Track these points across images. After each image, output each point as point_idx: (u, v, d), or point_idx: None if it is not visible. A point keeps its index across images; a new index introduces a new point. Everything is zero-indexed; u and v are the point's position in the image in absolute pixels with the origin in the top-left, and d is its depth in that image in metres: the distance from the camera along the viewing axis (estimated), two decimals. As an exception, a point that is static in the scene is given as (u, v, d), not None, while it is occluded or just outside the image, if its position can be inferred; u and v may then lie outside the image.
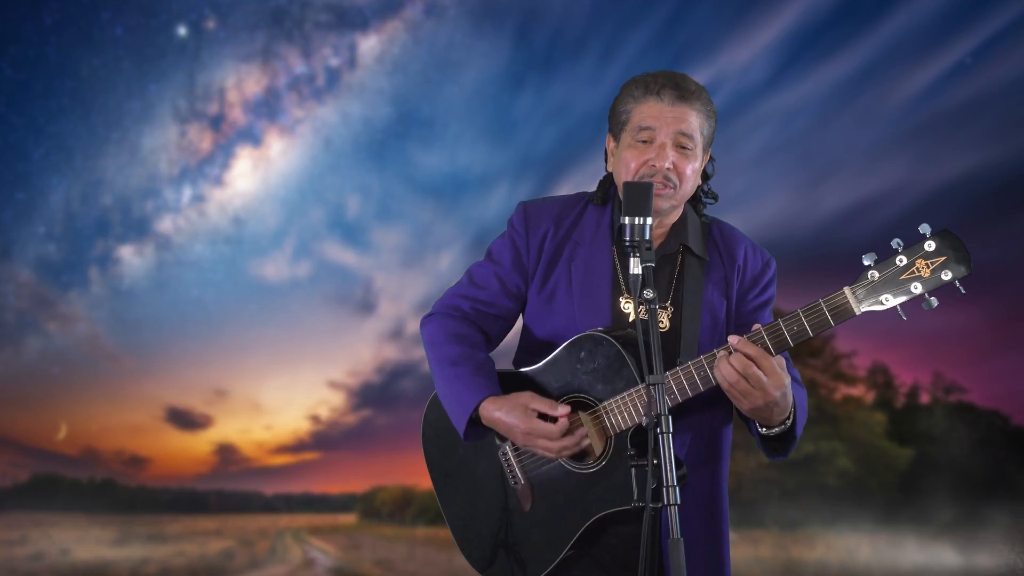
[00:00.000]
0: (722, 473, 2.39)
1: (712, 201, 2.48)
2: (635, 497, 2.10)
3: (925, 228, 2.01)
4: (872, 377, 20.92)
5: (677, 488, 1.83)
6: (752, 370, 2.04)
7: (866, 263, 2.04)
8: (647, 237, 1.99)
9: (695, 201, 2.47)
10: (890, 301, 2.02)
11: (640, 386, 2.17)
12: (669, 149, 2.27)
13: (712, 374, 2.12)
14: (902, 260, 2.02)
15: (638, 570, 1.99)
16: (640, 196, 2.02)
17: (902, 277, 2.02)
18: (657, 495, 1.87)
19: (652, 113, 2.28)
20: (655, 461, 1.87)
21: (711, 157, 2.42)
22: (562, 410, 2.19)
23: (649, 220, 2.00)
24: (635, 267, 1.98)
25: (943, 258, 2.00)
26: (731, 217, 2.54)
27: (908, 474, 18.97)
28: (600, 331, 2.25)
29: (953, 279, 1.99)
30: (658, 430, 1.87)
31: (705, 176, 2.45)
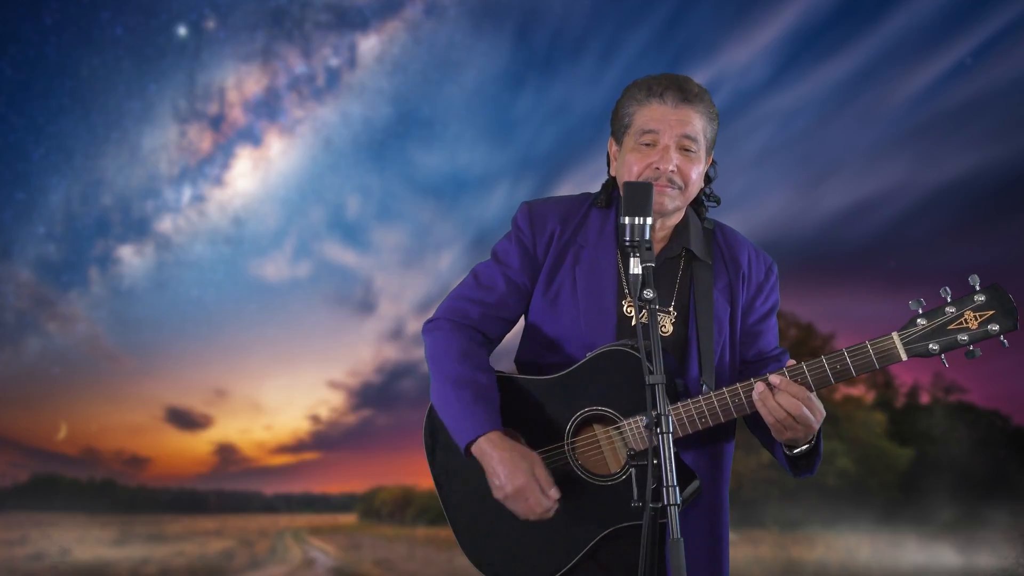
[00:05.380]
0: (724, 481, 2.38)
1: (714, 204, 2.47)
2: (634, 497, 2.10)
3: (974, 280, 2.05)
4: (872, 377, 20.92)
5: (677, 488, 1.82)
6: (801, 411, 2.06)
7: (913, 309, 2.07)
8: (647, 237, 1.98)
9: (697, 204, 2.46)
10: (936, 350, 2.05)
11: (670, 407, 2.15)
12: (673, 152, 2.26)
13: (747, 403, 2.13)
14: (951, 311, 2.05)
15: (639, 571, 1.98)
16: (640, 196, 2.01)
17: (950, 327, 2.05)
18: (657, 495, 1.86)
19: (655, 116, 2.27)
20: (655, 461, 1.86)
21: (713, 160, 2.41)
22: (554, 494, 2.18)
23: (649, 220, 1.99)
24: (635, 267, 1.95)
25: (992, 312, 2.04)
26: (731, 217, 2.54)
27: (908, 474, 18.97)
28: (627, 345, 2.23)
29: (999, 332, 2.04)
30: (658, 430, 1.86)
31: (707, 179, 2.44)
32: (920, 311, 2.07)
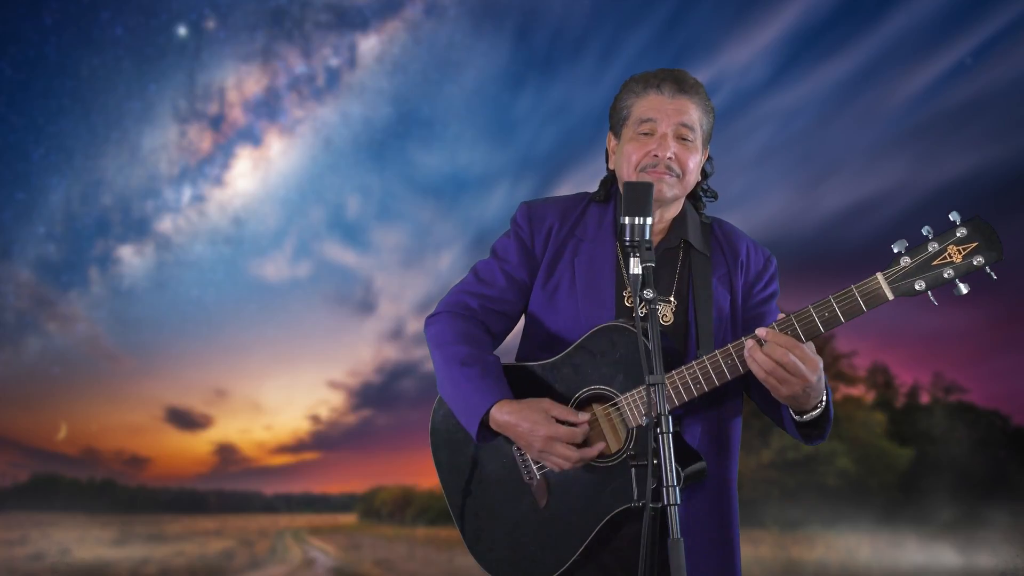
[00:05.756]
0: (732, 465, 2.40)
1: (712, 199, 2.51)
2: (635, 497, 2.10)
3: (955, 215, 2.03)
4: (872, 377, 20.93)
5: (677, 488, 1.83)
6: (788, 358, 2.05)
7: (896, 250, 2.06)
8: (647, 237, 2.00)
9: (695, 199, 2.49)
10: (922, 287, 2.04)
11: (669, 373, 2.17)
12: (671, 140, 2.30)
13: (739, 363, 2.13)
14: (934, 246, 2.04)
15: (638, 570, 1.99)
16: (640, 196, 2.03)
17: (934, 263, 2.04)
18: (657, 495, 1.86)
19: (653, 106, 2.31)
20: (655, 461, 1.87)
21: (710, 156, 2.45)
22: (582, 416, 2.18)
23: (649, 220, 2.02)
24: (635, 267, 1.99)
25: (975, 244, 2.02)
26: (731, 217, 2.55)
27: (908, 474, 18.96)
28: (622, 322, 2.25)
29: (984, 264, 2.01)
30: (658, 430, 1.87)
31: (704, 174, 2.47)
32: (903, 251, 2.05)
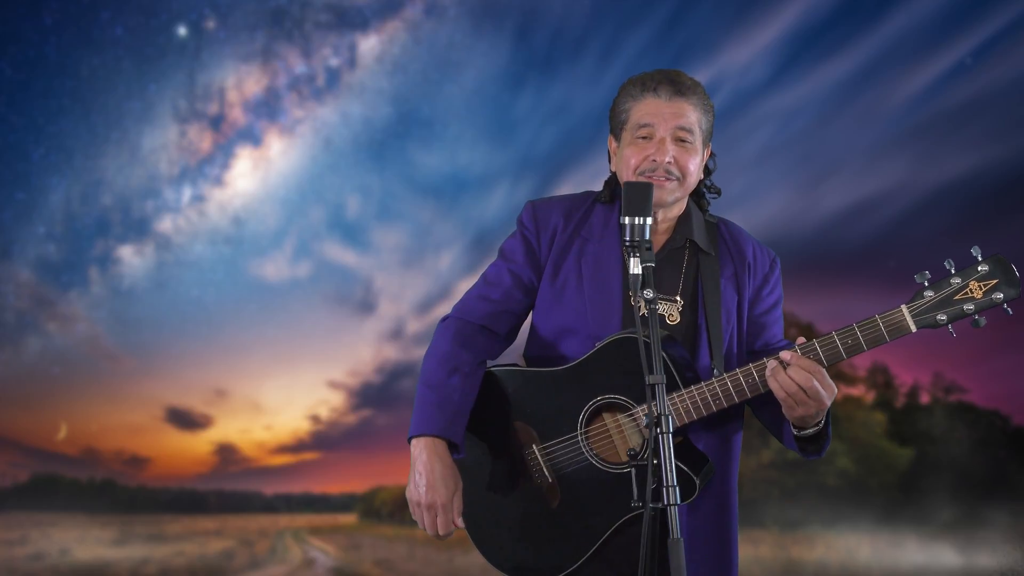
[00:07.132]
0: (732, 474, 2.42)
1: (716, 196, 2.51)
2: (635, 497, 2.11)
3: (976, 251, 2.10)
4: (872, 377, 20.91)
5: (677, 488, 1.84)
6: (811, 383, 2.09)
7: (919, 282, 2.12)
8: (647, 237, 2.01)
9: (698, 197, 2.49)
10: (944, 320, 2.12)
11: (684, 390, 2.20)
12: (669, 144, 2.30)
13: (760, 383, 2.16)
14: (956, 281, 2.11)
15: (639, 571, 1.99)
16: (640, 196, 2.04)
17: (956, 297, 2.11)
18: (658, 495, 1.87)
19: (650, 110, 2.31)
20: (655, 461, 1.88)
21: (712, 152, 2.45)
22: (460, 523, 2.26)
23: (649, 220, 2.03)
24: (635, 267, 1.99)
25: (995, 280, 2.10)
26: (731, 217, 2.56)
27: (908, 474, 18.96)
28: (633, 332, 2.24)
29: (1004, 300, 2.10)
30: (658, 430, 1.87)
31: (707, 171, 2.47)
32: (926, 283, 2.11)
